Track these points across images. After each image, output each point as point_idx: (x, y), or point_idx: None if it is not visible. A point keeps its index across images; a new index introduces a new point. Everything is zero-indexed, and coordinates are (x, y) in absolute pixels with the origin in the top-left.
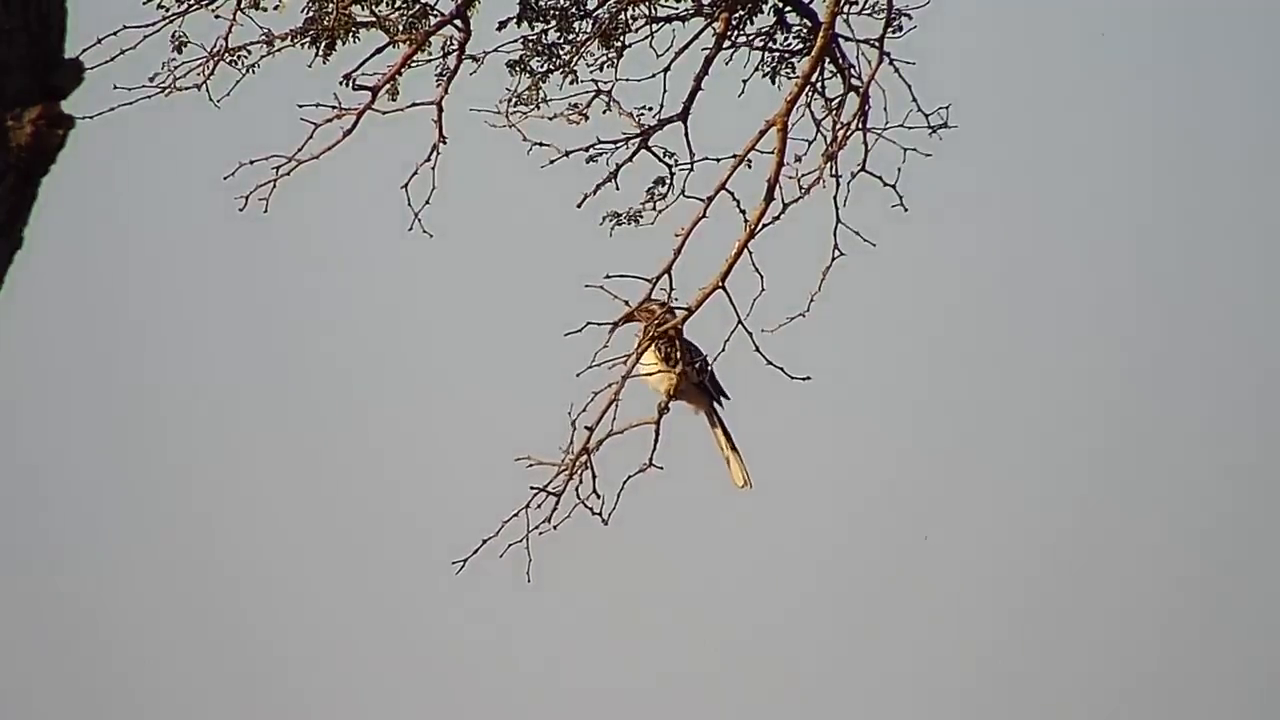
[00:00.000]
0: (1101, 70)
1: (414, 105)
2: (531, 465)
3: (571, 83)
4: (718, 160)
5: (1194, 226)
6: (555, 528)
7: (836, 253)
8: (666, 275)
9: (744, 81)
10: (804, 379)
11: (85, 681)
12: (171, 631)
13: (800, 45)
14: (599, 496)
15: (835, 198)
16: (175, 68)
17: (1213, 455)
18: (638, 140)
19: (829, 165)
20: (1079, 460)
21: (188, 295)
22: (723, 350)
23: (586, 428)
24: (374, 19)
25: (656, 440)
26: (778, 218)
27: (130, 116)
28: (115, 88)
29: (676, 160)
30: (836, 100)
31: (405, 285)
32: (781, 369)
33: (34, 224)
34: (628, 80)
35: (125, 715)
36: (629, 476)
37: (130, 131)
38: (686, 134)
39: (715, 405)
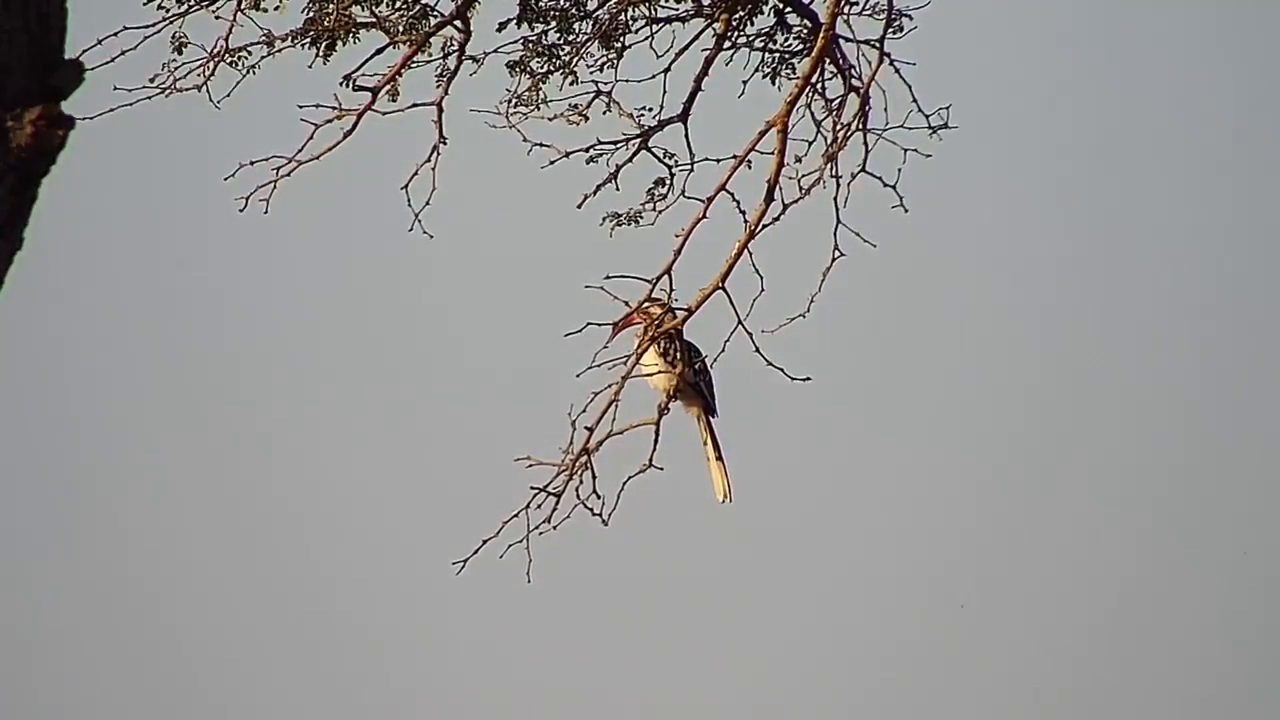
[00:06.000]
0: (1100, 70)
1: (414, 106)
2: (531, 465)
3: (572, 83)
4: (718, 161)
5: (1197, 226)
6: (555, 528)
7: (836, 253)
8: (666, 275)
9: (744, 82)
10: (804, 379)
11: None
12: (170, 632)
13: (800, 46)
14: (599, 497)
15: (835, 198)
16: (175, 68)
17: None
18: (638, 141)
19: (829, 166)
20: (1084, 460)
21: (187, 295)
22: (722, 351)
23: (586, 428)
24: (374, 20)
25: (656, 441)
26: (778, 218)
27: (130, 116)
28: (115, 88)
29: (676, 161)
30: (837, 101)
31: (405, 285)
32: (781, 370)
33: (34, 224)
34: (628, 81)
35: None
36: (629, 477)
37: (130, 131)
38: (686, 135)
39: (708, 412)
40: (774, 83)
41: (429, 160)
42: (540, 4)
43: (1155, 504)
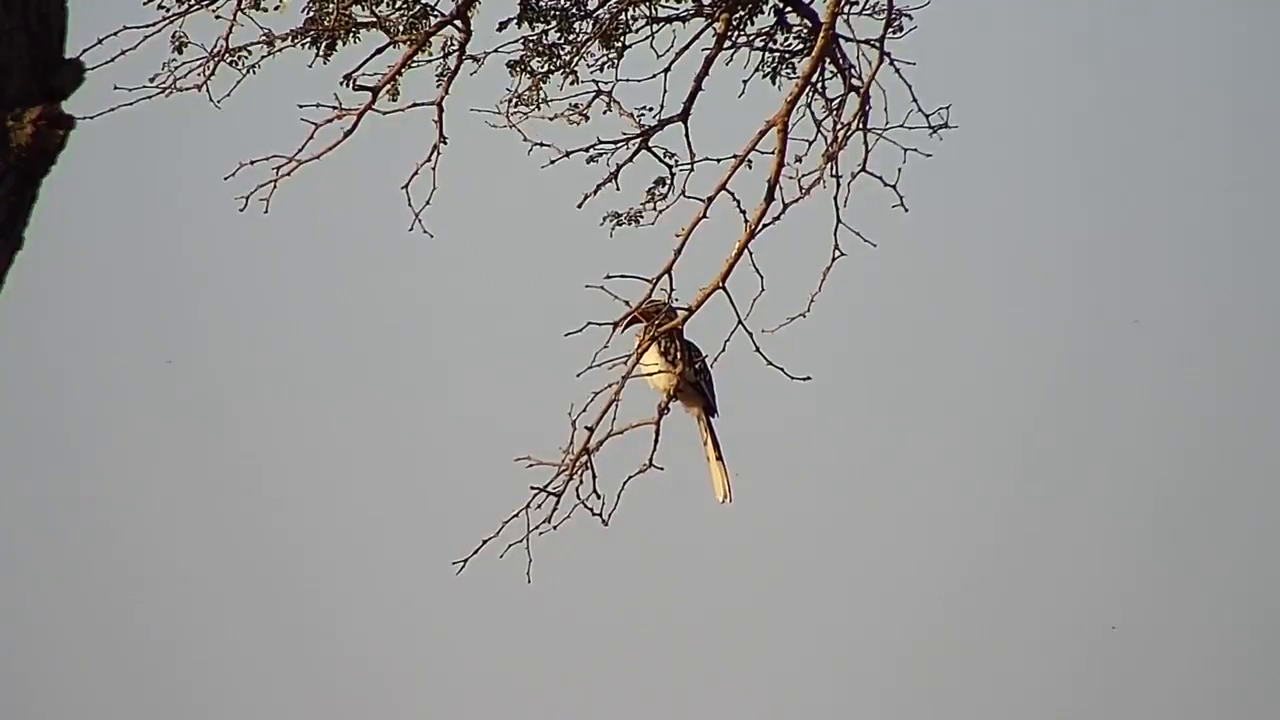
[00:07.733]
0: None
1: (414, 105)
2: (531, 465)
3: (572, 83)
4: (718, 160)
5: (1200, 224)
6: (555, 528)
7: (837, 253)
8: (666, 275)
9: (744, 82)
10: (804, 379)
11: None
12: (172, 633)
13: (800, 45)
14: (599, 497)
15: (835, 198)
16: (175, 68)
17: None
18: (638, 141)
19: (829, 166)
20: (1091, 460)
21: (186, 294)
22: (723, 350)
23: (586, 428)
24: (374, 19)
25: (656, 441)
26: (778, 218)
27: (130, 116)
28: (115, 88)
29: (677, 160)
30: (837, 100)
31: (406, 285)
32: (782, 369)
33: (34, 224)
34: (628, 81)
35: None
36: (629, 477)
37: (130, 131)
38: (687, 134)
39: (708, 412)
40: (774, 82)
41: (429, 160)
42: (540, 4)
43: (1167, 505)
